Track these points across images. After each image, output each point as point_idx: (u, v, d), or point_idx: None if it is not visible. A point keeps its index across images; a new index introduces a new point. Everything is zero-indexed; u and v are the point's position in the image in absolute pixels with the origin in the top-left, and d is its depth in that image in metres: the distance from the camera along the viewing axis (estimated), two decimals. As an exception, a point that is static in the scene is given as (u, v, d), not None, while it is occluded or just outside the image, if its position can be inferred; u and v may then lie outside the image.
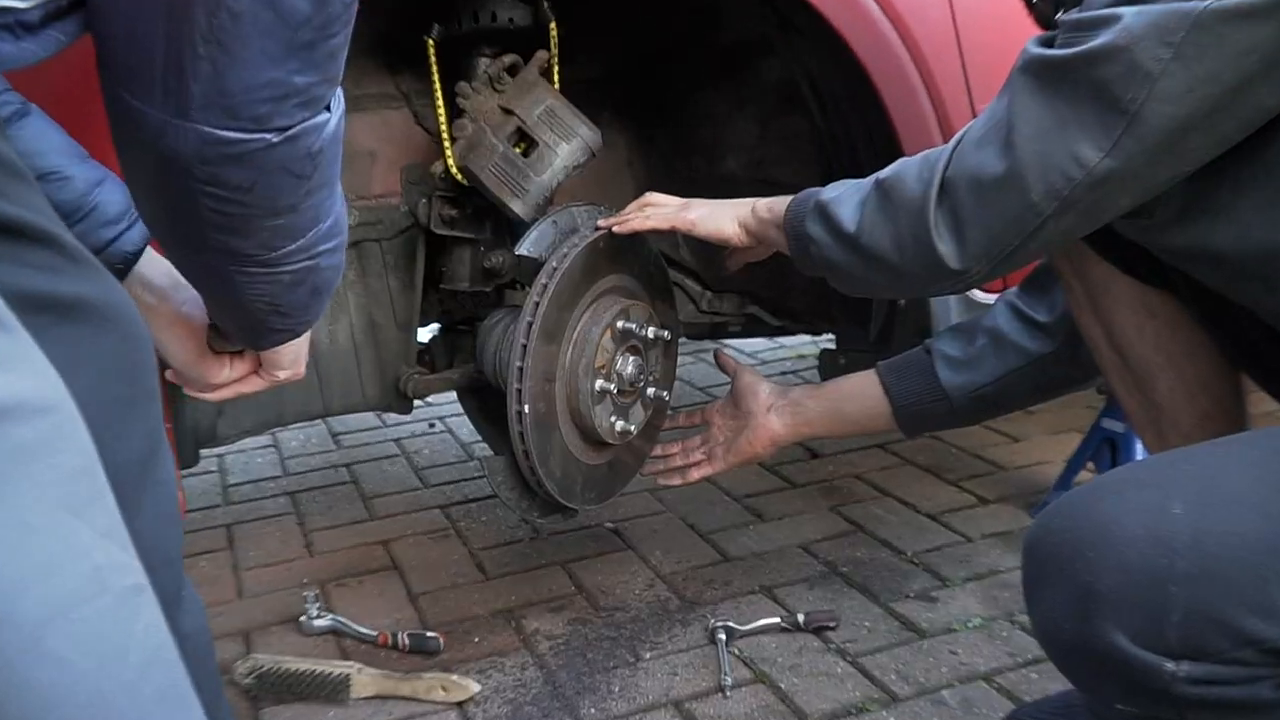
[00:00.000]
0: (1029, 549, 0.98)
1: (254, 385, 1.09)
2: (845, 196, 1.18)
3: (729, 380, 1.67)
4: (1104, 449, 1.97)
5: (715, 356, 1.73)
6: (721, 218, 1.39)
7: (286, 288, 0.85)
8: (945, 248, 1.05)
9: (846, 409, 1.55)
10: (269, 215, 0.75)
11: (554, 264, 1.44)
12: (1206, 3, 0.86)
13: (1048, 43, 0.98)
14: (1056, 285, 1.36)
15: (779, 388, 1.61)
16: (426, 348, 1.83)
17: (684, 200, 1.44)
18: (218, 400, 1.11)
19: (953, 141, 1.07)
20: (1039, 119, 0.96)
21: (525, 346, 1.40)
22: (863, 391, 1.53)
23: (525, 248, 1.49)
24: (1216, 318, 1.16)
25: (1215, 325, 1.17)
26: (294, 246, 0.80)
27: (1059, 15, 0.97)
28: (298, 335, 0.98)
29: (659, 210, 1.44)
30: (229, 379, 1.08)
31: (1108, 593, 0.88)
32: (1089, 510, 0.93)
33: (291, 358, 1.07)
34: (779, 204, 1.30)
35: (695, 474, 1.65)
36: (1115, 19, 0.90)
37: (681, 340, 2.03)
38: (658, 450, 1.71)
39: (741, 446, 1.61)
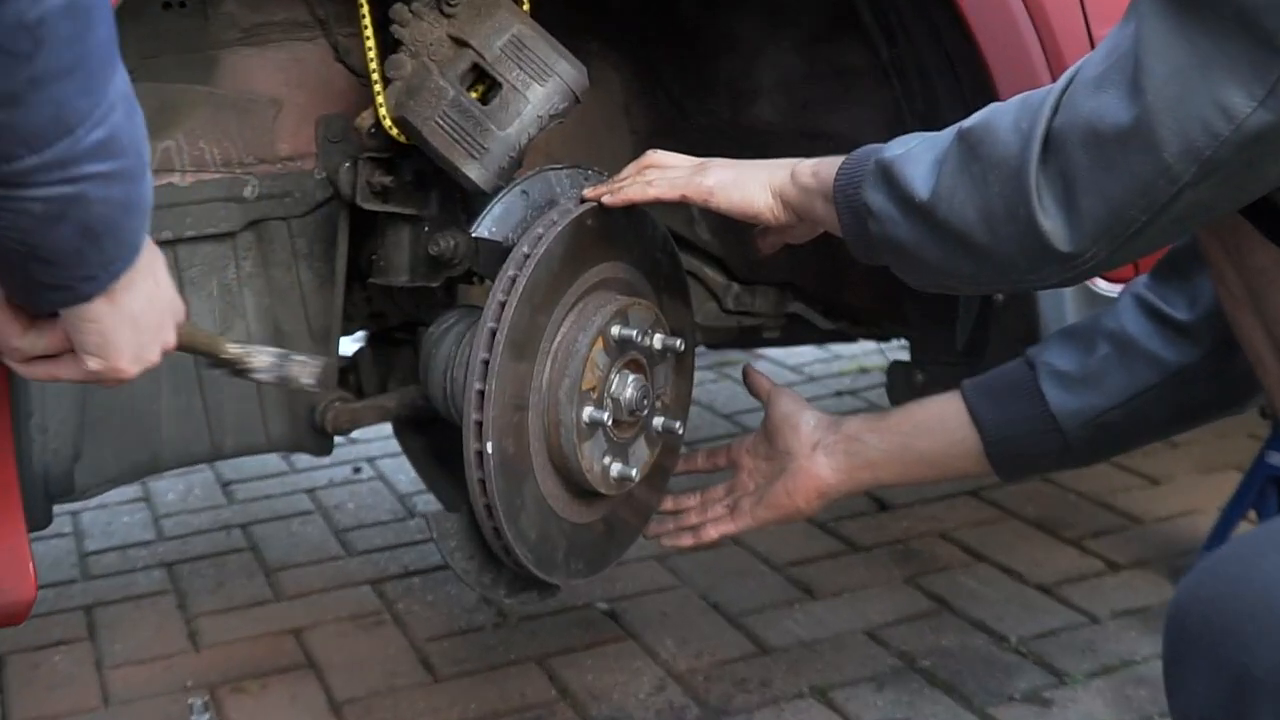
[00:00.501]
0: (1171, 622, 1.01)
1: (67, 370, 1.12)
2: (916, 154, 1.20)
3: (762, 407, 1.68)
4: (1270, 492, 2.00)
5: (744, 374, 1.73)
6: (750, 185, 1.40)
7: (40, 223, 0.89)
8: (1050, 223, 1.07)
9: (921, 446, 1.55)
10: None
11: (525, 250, 1.45)
12: None
13: None
14: (1200, 271, 1.37)
15: (829, 419, 1.61)
16: (351, 364, 1.85)
17: (699, 161, 1.46)
18: (33, 377, 1.15)
19: (1062, 81, 1.09)
20: (1174, 54, 0.98)
21: (487, 363, 1.42)
22: (943, 422, 1.54)
23: (485, 228, 1.50)
24: None
25: None
26: (37, 161, 0.85)
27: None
28: (81, 298, 1.02)
29: (666, 174, 1.46)
30: (35, 348, 1.11)
31: (1265, 677, 0.91)
32: (1246, 570, 0.96)
33: (97, 341, 1.08)
34: (828, 166, 1.32)
35: (712, 532, 1.63)
36: None
37: (700, 351, 2.05)
38: (668, 503, 1.71)
39: (777, 498, 1.60)
